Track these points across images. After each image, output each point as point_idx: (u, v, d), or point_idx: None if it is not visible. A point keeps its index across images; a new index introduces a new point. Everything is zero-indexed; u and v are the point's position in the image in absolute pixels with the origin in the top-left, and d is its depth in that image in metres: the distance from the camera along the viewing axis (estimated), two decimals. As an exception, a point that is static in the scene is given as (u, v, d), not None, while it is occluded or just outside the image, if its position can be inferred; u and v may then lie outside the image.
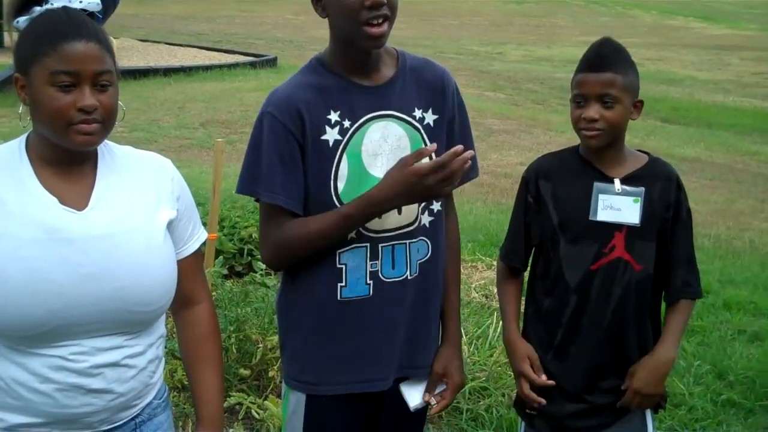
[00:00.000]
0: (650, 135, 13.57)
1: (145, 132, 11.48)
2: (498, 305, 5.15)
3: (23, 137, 1.89)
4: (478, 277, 5.86)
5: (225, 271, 5.25)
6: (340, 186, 2.18)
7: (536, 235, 2.55)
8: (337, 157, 2.18)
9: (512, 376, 4.01)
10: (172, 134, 11.62)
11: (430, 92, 2.27)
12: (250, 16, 32.59)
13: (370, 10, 2.07)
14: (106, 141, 1.94)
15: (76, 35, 1.75)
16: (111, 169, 1.92)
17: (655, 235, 2.46)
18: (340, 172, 2.18)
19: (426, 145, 2.23)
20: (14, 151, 1.86)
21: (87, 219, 1.82)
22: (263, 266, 5.37)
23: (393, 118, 2.22)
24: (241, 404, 3.74)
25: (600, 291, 2.45)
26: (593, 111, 2.38)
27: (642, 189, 2.43)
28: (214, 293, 3.98)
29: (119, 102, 1.87)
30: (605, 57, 2.41)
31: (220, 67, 18.52)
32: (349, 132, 2.19)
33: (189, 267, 2.06)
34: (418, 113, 2.25)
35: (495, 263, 5.68)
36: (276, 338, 3.97)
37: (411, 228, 2.24)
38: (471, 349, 4.37)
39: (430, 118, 2.27)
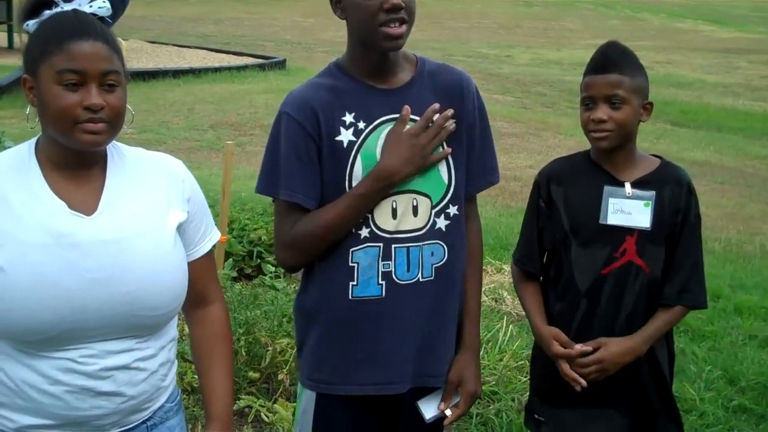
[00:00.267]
0: (660, 138, 13.53)
1: (155, 134, 11.50)
2: (506, 309, 5.22)
3: (33, 140, 1.89)
4: (488, 280, 5.85)
5: (234, 274, 5.25)
6: (354, 186, 2.20)
7: (549, 240, 2.55)
8: (352, 157, 2.20)
9: (522, 380, 4.06)
10: (182, 136, 11.63)
11: (448, 96, 2.27)
12: (259, 18, 32.61)
13: (388, 13, 2.09)
14: (116, 143, 1.94)
15: (83, 35, 1.76)
16: (120, 172, 1.92)
17: (665, 239, 2.45)
18: (354, 173, 2.20)
19: (443, 149, 2.24)
20: (23, 154, 1.87)
21: (95, 224, 1.82)
22: (273, 269, 5.37)
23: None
24: (250, 407, 3.73)
25: (610, 296, 2.44)
26: (601, 112, 2.38)
27: (653, 193, 2.42)
28: (223, 296, 3.98)
29: (128, 106, 1.86)
30: (611, 58, 2.42)
31: (229, 69, 18.53)
32: (364, 133, 2.20)
33: (202, 267, 2.06)
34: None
35: (504, 267, 5.70)
36: (285, 341, 3.99)
37: (425, 231, 2.24)
38: (481, 354, 4.35)
39: (447, 121, 2.25)
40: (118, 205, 1.86)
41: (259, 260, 5.58)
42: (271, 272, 5.29)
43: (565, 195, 2.51)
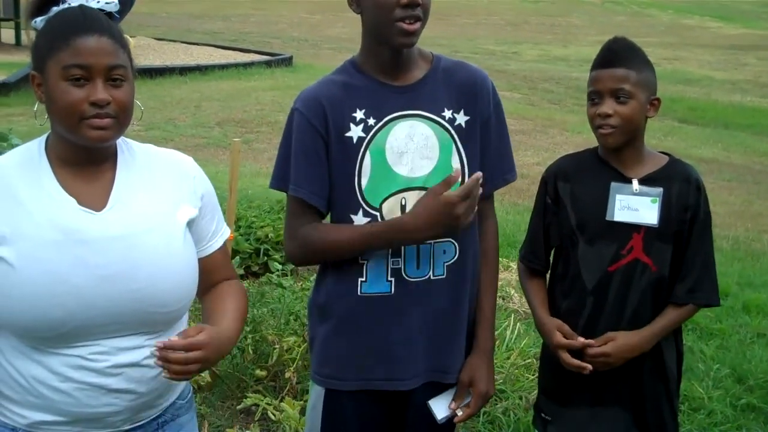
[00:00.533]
0: (667, 135, 13.51)
1: (162, 131, 11.50)
2: (513, 306, 5.20)
3: (43, 137, 1.90)
4: (495, 278, 5.82)
5: (241, 272, 5.25)
6: (364, 182, 2.21)
7: (555, 236, 2.54)
8: (361, 153, 2.20)
9: (530, 378, 4.05)
10: (189, 133, 11.63)
11: (462, 93, 2.27)
12: (266, 14, 32.62)
13: (405, 9, 2.10)
14: (126, 139, 1.95)
15: (88, 30, 1.76)
16: (130, 169, 1.92)
17: (673, 237, 2.43)
18: (363, 169, 2.20)
19: (457, 146, 2.25)
20: (33, 151, 1.87)
21: (104, 220, 1.82)
22: (279, 266, 5.38)
23: (420, 117, 2.23)
24: (257, 405, 3.72)
25: (617, 293, 2.44)
26: (607, 107, 2.38)
27: (660, 190, 2.41)
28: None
29: (137, 101, 1.87)
30: (617, 53, 2.42)
31: (236, 66, 18.54)
32: (374, 129, 2.21)
33: (216, 262, 2.07)
34: (447, 113, 2.25)
35: (511, 264, 5.68)
36: (292, 339, 3.98)
37: None
38: (490, 353, 4.35)
39: (461, 118, 2.26)
40: (127, 202, 1.86)
41: (266, 258, 5.58)
42: (278, 270, 5.29)
43: (572, 192, 2.50)
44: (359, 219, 2.22)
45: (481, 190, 2.16)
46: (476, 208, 2.16)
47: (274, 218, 6.00)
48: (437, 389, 2.35)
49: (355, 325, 2.27)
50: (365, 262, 2.23)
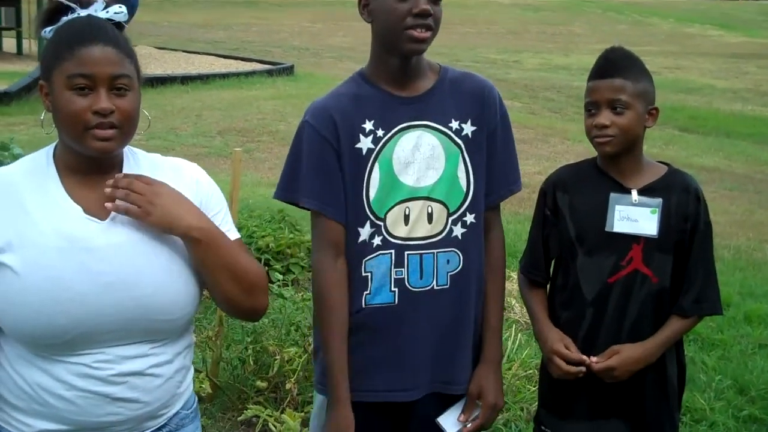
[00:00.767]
0: (668, 144, 13.49)
1: (163, 140, 11.50)
2: (514, 317, 5.19)
3: (51, 146, 1.92)
4: (495, 288, 5.81)
5: (242, 282, 5.22)
6: (372, 193, 2.23)
7: (555, 248, 2.54)
8: (369, 165, 2.22)
9: (531, 390, 4.04)
10: (190, 142, 11.63)
11: (469, 104, 2.29)
12: (267, 24, 32.65)
13: (416, 18, 2.12)
14: (133, 148, 1.97)
15: (93, 39, 1.78)
16: None
17: (673, 247, 2.43)
18: (372, 180, 2.22)
19: (464, 156, 2.26)
20: (41, 159, 1.90)
21: (109, 228, 1.84)
22: (281, 276, 5.37)
23: (427, 128, 2.24)
24: (258, 417, 3.71)
25: (617, 305, 2.43)
26: (604, 117, 2.37)
27: (660, 200, 2.40)
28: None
29: (144, 111, 1.89)
30: (614, 63, 2.41)
31: (237, 75, 18.54)
32: (382, 141, 2.22)
33: None
34: (455, 124, 2.26)
35: (512, 274, 5.67)
36: (293, 350, 3.97)
37: (440, 238, 2.25)
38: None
39: (468, 129, 2.27)
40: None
41: (267, 268, 5.56)
42: (278, 280, 5.28)
43: (571, 202, 2.50)
44: (366, 231, 2.23)
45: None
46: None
47: (275, 228, 5.99)
48: (441, 400, 2.35)
49: (359, 337, 2.27)
50: (369, 274, 2.23)
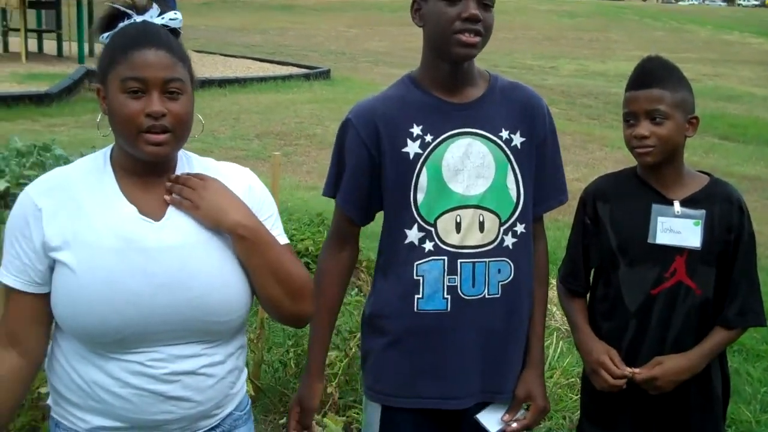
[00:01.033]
0: (708, 152, 13.35)
1: (201, 143, 11.54)
2: (555, 324, 5.15)
3: (109, 147, 1.96)
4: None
5: (282, 285, 5.22)
6: (420, 197, 2.22)
7: (595, 258, 2.52)
8: (417, 169, 2.21)
9: (573, 398, 4.00)
10: (228, 145, 11.69)
11: (519, 114, 2.27)
12: (303, 28, 32.83)
13: (465, 22, 2.11)
14: (187, 153, 2.01)
15: (146, 44, 1.81)
16: None
17: (716, 259, 2.39)
18: (419, 184, 2.21)
19: (513, 166, 2.25)
20: (99, 160, 1.93)
21: (163, 229, 1.86)
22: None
23: (478, 136, 2.23)
24: (299, 420, 3.70)
25: (660, 316, 2.40)
26: (643, 128, 2.35)
27: (703, 212, 2.38)
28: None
29: (198, 115, 1.92)
30: (652, 73, 2.38)
31: (275, 78, 18.64)
32: (431, 146, 2.21)
33: None
34: (504, 134, 2.25)
35: (552, 281, 5.63)
36: (334, 354, 3.97)
37: (491, 247, 2.24)
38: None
39: (517, 140, 2.26)
40: (185, 212, 1.89)
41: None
42: (318, 284, 5.26)
43: (612, 213, 2.48)
44: (413, 234, 2.23)
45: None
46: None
47: (314, 231, 6.00)
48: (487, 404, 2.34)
49: (411, 342, 2.27)
50: (421, 278, 2.23)
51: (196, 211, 1.87)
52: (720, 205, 2.40)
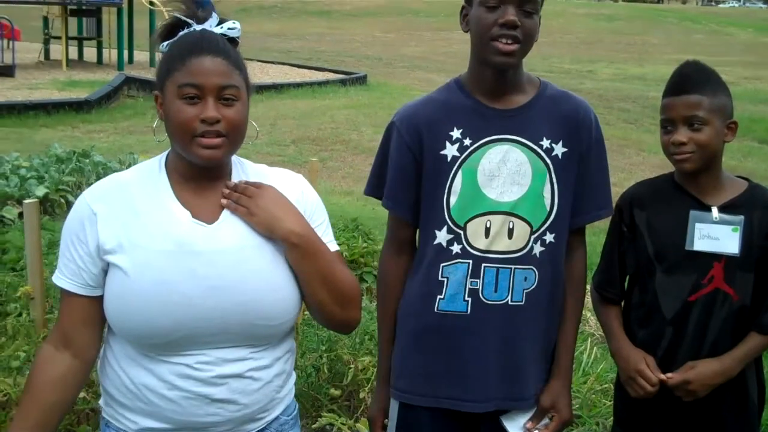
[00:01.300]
0: (747, 157, 13.21)
1: (238, 148, 11.64)
2: (589, 330, 5.13)
3: (164, 154, 2.00)
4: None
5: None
6: (453, 200, 2.23)
7: (632, 264, 2.49)
8: (453, 172, 2.22)
9: (607, 404, 3.98)
10: (264, 150, 11.76)
11: (563, 124, 2.26)
12: (340, 33, 32.93)
13: (501, 28, 2.11)
14: (241, 159, 2.04)
15: (203, 51, 1.85)
16: None
17: (755, 265, 2.37)
18: (453, 187, 2.23)
19: (551, 176, 2.25)
20: (154, 165, 1.98)
21: (216, 233, 1.89)
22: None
23: (517, 143, 2.23)
24: (332, 425, 3.74)
25: (697, 323, 2.38)
26: (681, 135, 2.33)
27: (741, 217, 2.35)
28: (305, 313, 3.99)
29: (253, 122, 1.96)
30: (689, 78, 2.36)
31: (311, 84, 18.74)
32: (468, 150, 2.22)
33: None
34: (546, 143, 2.24)
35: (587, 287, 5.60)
36: (367, 359, 3.99)
37: (519, 254, 2.24)
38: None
39: (559, 149, 2.25)
40: (238, 216, 1.93)
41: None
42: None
43: (648, 220, 2.45)
44: (442, 236, 2.24)
45: None
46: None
47: (348, 237, 6.02)
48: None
49: (429, 341, 2.29)
50: (445, 279, 2.24)
51: (251, 218, 1.90)
52: (759, 211, 2.37)
